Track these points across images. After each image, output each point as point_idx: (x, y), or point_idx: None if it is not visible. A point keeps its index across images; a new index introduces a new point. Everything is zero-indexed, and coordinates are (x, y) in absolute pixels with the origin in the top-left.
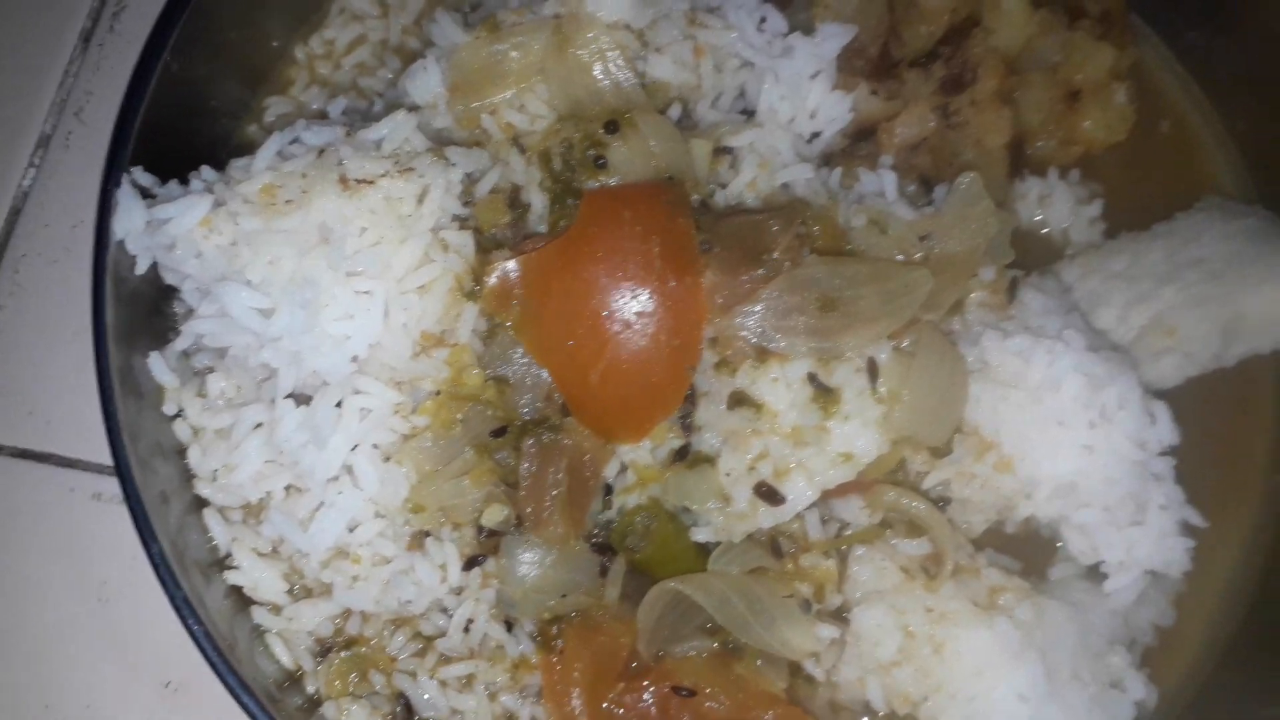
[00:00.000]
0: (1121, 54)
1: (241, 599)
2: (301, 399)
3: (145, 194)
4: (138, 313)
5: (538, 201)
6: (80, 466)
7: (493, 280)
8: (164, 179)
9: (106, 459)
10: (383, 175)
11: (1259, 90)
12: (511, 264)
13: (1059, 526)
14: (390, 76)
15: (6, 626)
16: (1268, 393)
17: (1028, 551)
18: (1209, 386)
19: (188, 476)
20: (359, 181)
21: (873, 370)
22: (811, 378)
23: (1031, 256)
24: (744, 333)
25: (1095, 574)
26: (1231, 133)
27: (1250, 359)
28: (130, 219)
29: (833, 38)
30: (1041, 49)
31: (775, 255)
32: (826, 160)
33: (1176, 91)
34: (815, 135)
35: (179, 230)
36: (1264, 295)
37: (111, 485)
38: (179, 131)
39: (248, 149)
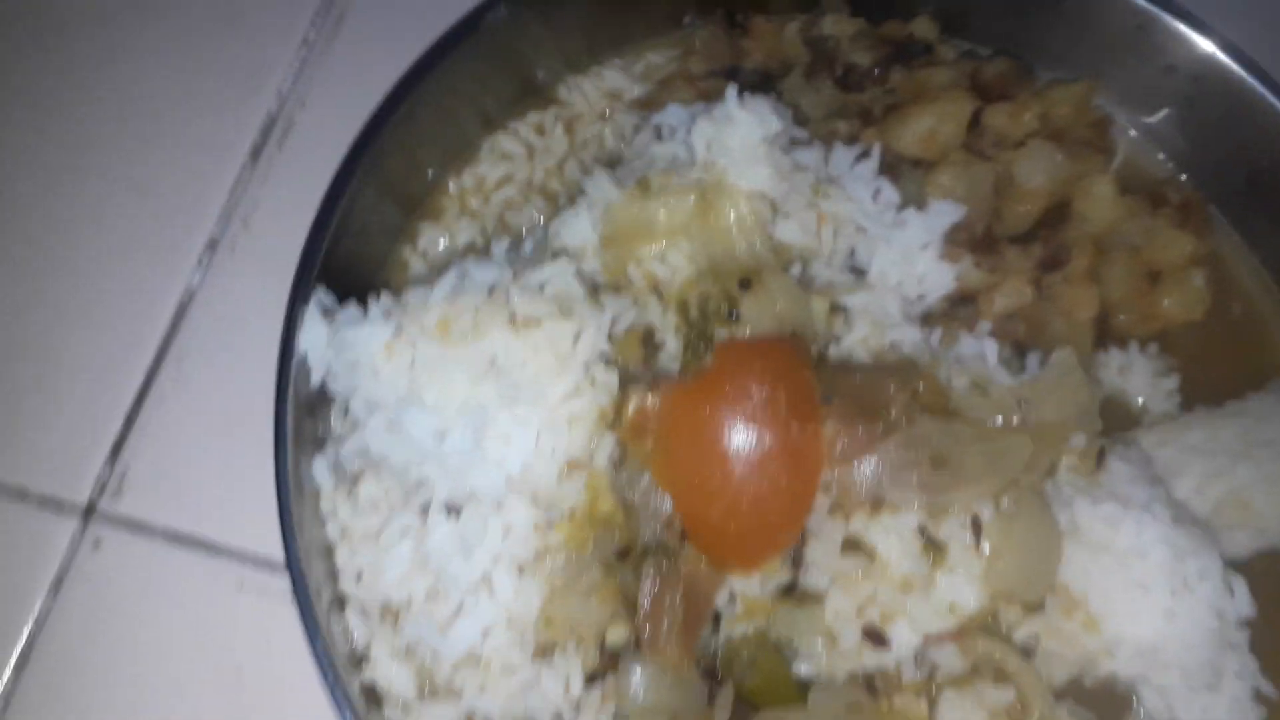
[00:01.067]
0: (1199, 242)
1: (373, 697)
2: (451, 510)
3: (326, 312)
4: (300, 419)
5: (671, 344)
6: (227, 554)
7: (631, 412)
8: (333, 294)
9: (251, 548)
10: (547, 316)
11: None
12: (649, 400)
13: (1137, 685)
14: (532, 211)
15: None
16: None
17: (1105, 706)
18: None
19: (332, 574)
20: (526, 321)
21: (977, 527)
22: (921, 530)
23: (1112, 422)
24: (860, 482)
25: None
26: None
27: None
28: (315, 335)
29: (944, 215)
30: (1126, 231)
31: (892, 412)
32: (928, 319)
33: (1248, 278)
34: (920, 298)
35: (363, 351)
36: None
37: (254, 575)
38: (344, 249)
39: (401, 268)
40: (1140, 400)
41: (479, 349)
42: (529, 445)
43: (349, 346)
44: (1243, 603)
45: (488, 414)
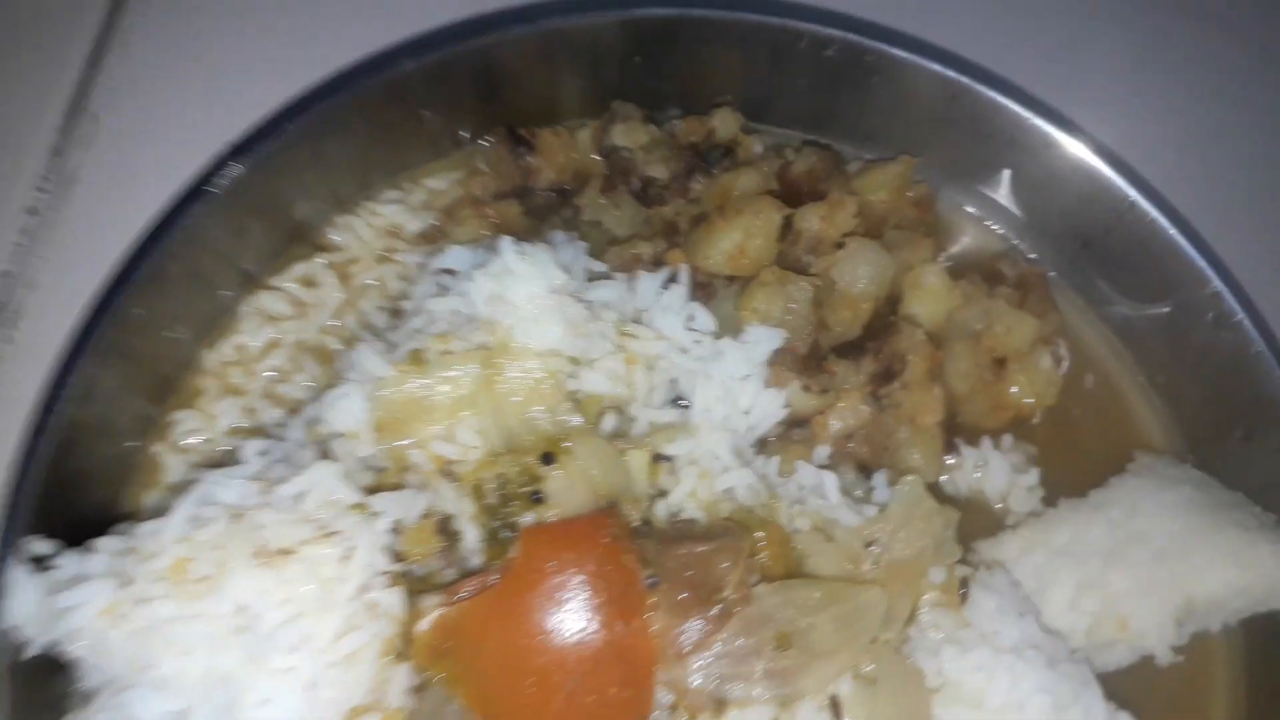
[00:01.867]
0: (1043, 321)
1: None
2: None
3: (42, 564)
4: (34, 682)
5: (470, 533)
6: None
7: (424, 627)
8: (62, 521)
9: None
10: (306, 541)
11: (1175, 343)
12: (445, 613)
13: None
14: (305, 380)
15: None
16: (1219, 669)
17: None
18: (1164, 666)
19: None
20: (280, 551)
21: (835, 709)
22: None
23: (974, 529)
24: (700, 683)
25: None
26: (1154, 384)
27: (1200, 634)
28: (25, 603)
29: (762, 342)
30: (964, 319)
31: (727, 594)
32: (762, 447)
33: (1098, 344)
34: (750, 429)
35: (81, 620)
36: (1210, 580)
37: None
38: (78, 459)
39: (153, 474)
40: (1000, 501)
41: (221, 598)
42: (297, 703)
43: (64, 611)
44: None
45: (238, 682)
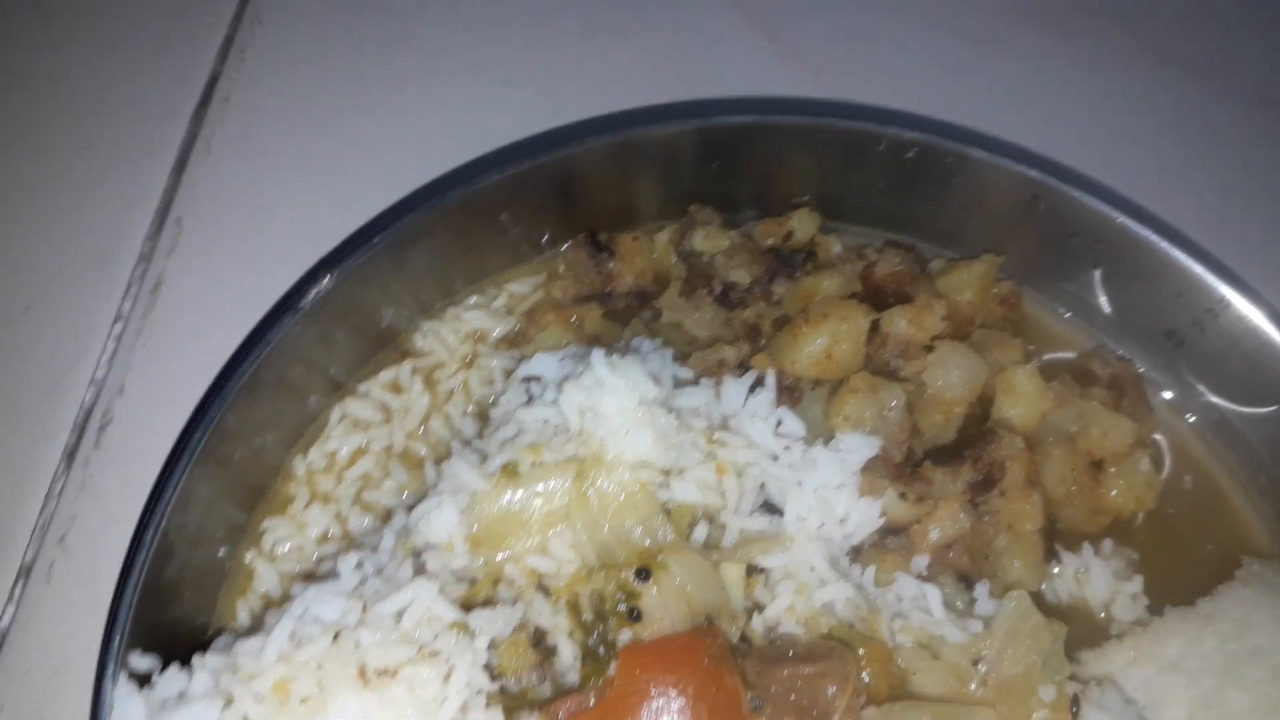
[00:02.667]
0: (1140, 424)
1: None
2: None
3: (143, 681)
4: None
5: (566, 649)
6: None
7: None
8: (156, 633)
9: None
10: (406, 662)
11: (1275, 440)
12: None
13: None
14: (394, 486)
15: None
16: None
17: None
18: None
19: None
20: (380, 673)
21: None
22: None
23: (1078, 639)
24: None
25: None
26: (1256, 486)
27: None
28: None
29: (857, 449)
30: (1058, 421)
31: (834, 718)
32: (857, 555)
33: (1194, 443)
34: (846, 538)
35: None
36: None
37: None
38: (172, 568)
39: (246, 582)
40: (1104, 609)
41: (325, 719)
42: None
43: None
44: None
45: None
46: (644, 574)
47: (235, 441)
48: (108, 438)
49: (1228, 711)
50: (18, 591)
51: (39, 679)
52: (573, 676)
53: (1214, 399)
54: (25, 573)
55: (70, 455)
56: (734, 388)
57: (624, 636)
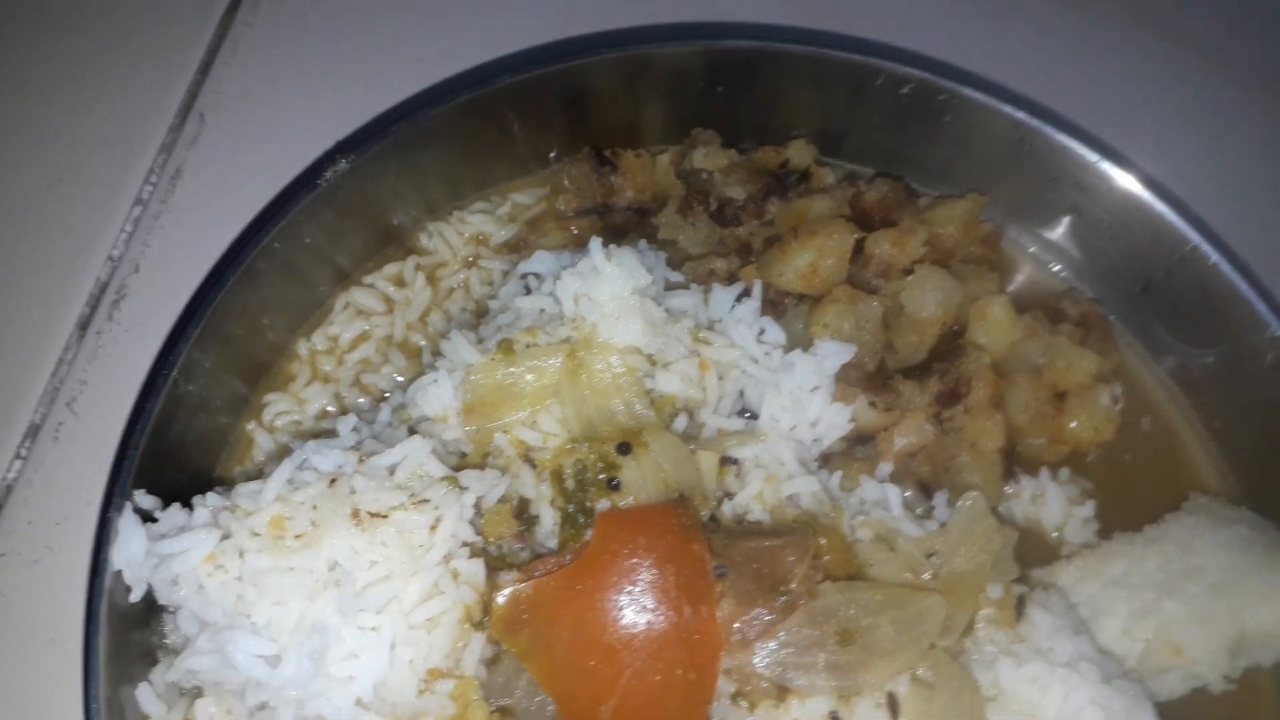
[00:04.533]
0: (1103, 359)
1: None
2: None
3: (146, 517)
4: (124, 634)
5: (547, 517)
6: None
7: (500, 602)
8: (158, 487)
9: None
10: (397, 507)
11: (1232, 387)
12: (521, 589)
13: None
14: (392, 372)
15: None
16: (1270, 703)
17: None
18: (1214, 698)
19: None
20: (372, 515)
21: (893, 706)
22: (833, 717)
23: (1030, 556)
24: (763, 670)
25: None
26: (1210, 429)
27: (1253, 670)
28: (130, 548)
29: (832, 355)
30: (1026, 352)
31: (792, 586)
32: (825, 462)
33: (1155, 388)
34: (816, 441)
35: (183, 566)
36: (1264, 613)
37: None
38: (176, 432)
39: (246, 449)
40: (1056, 531)
41: (316, 555)
42: (381, 660)
43: (168, 560)
44: None
45: (329, 632)
46: (625, 448)
47: (241, 318)
48: (121, 312)
49: (1163, 620)
50: (24, 449)
51: (41, 528)
52: (552, 544)
53: (1176, 344)
54: (33, 432)
55: (83, 325)
56: (722, 294)
57: (602, 505)
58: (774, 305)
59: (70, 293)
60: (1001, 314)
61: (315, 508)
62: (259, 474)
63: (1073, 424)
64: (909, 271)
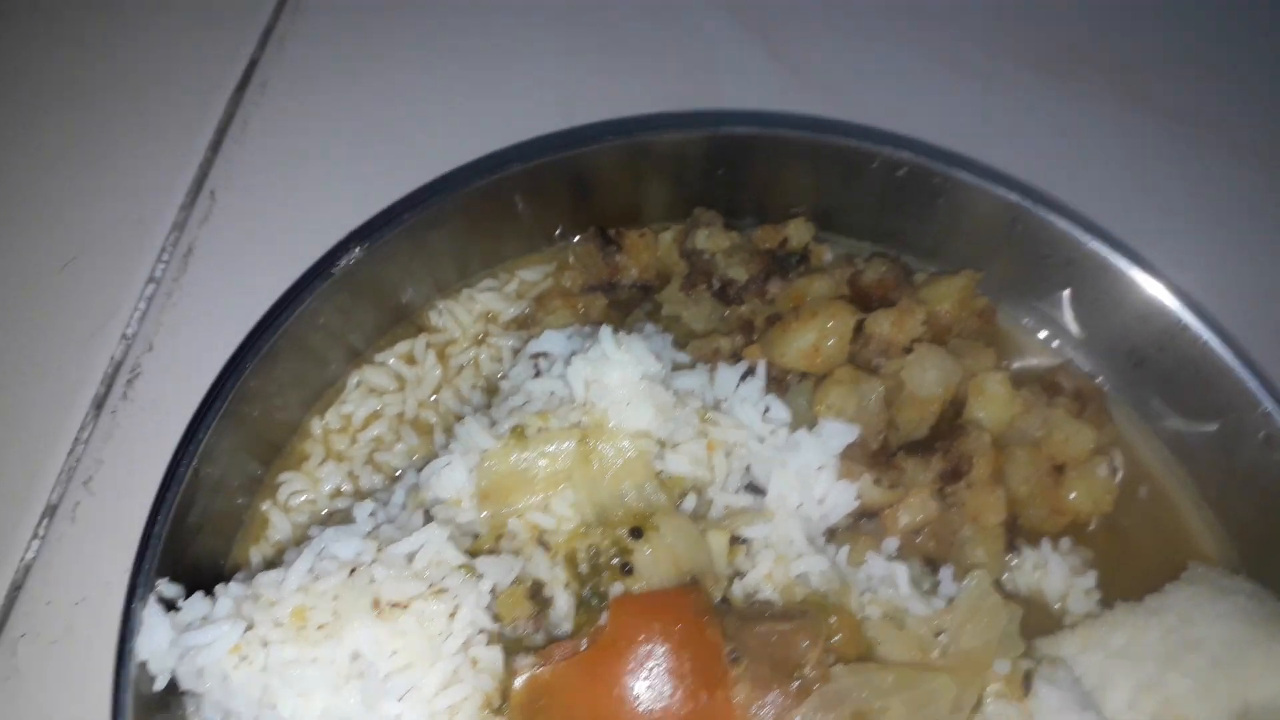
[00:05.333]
0: (1100, 432)
1: None
2: None
3: (169, 605)
4: (149, 716)
5: (562, 600)
6: None
7: (518, 686)
8: (178, 570)
9: None
10: (416, 597)
11: (1226, 459)
12: (539, 673)
13: None
14: (404, 449)
15: None
16: None
17: None
18: None
19: None
20: (393, 605)
21: None
22: None
23: (1033, 627)
24: None
25: None
26: (1207, 499)
27: None
28: (155, 639)
29: (837, 435)
30: (1025, 426)
31: (806, 671)
32: (832, 536)
33: (1151, 457)
34: (823, 518)
35: (208, 658)
36: (1267, 687)
37: None
38: (194, 515)
39: (261, 530)
40: (1059, 601)
41: (339, 645)
42: None
43: (193, 650)
44: None
45: None
46: (637, 532)
47: (258, 400)
48: (135, 390)
49: (1167, 693)
50: (42, 529)
51: (60, 609)
52: (566, 627)
53: (1171, 416)
54: (50, 512)
55: (99, 405)
56: (727, 374)
57: (615, 589)
58: (778, 383)
59: (85, 372)
60: (999, 389)
61: (337, 598)
62: (275, 555)
63: (1072, 495)
64: (908, 350)
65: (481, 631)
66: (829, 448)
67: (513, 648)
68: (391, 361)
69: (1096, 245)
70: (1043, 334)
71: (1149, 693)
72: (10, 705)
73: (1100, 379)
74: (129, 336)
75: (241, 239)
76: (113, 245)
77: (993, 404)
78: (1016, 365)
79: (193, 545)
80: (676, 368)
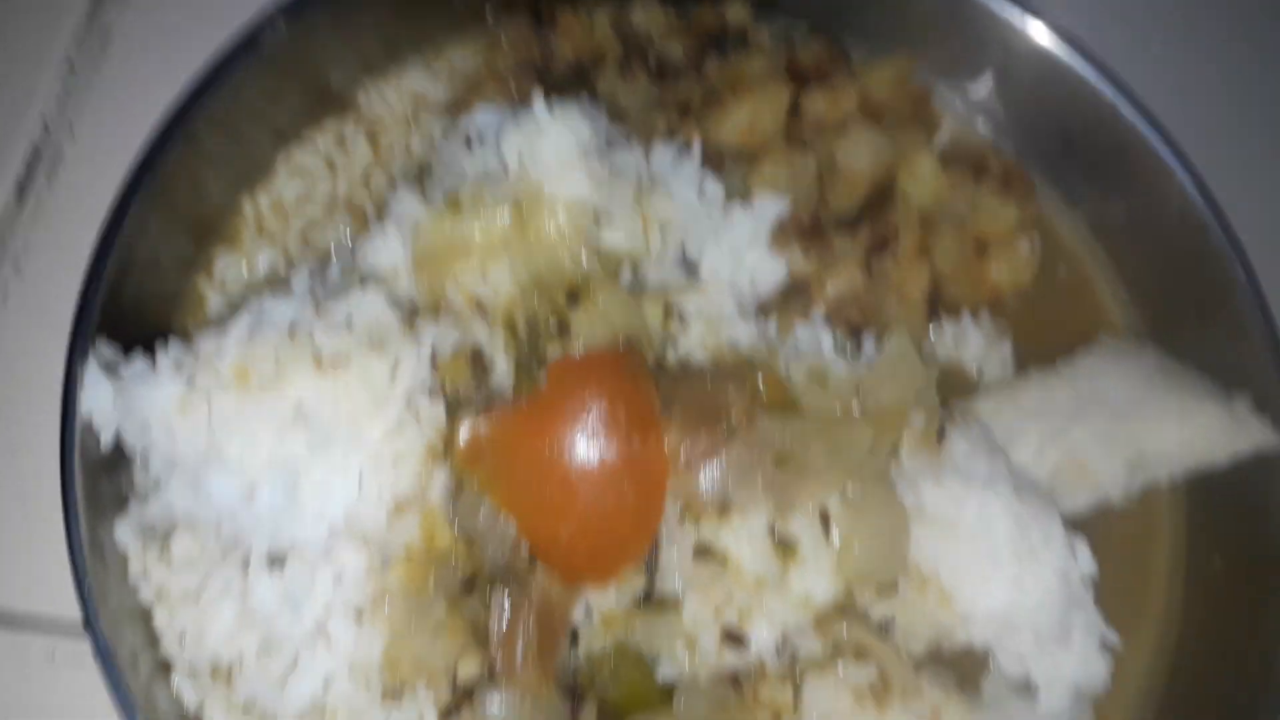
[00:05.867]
0: (1022, 210)
1: None
2: (274, 562)
3: (109, 367)
4: (96, 481)
5: (501, 364)
6: (30, 627)
7: (462, 438)
8: (119, 340)
9: (58, 614)
10: (356, 353)
11: (1142, 235)
12: (480, 425)
13: (992, 647)
14: (338, 233)
15: None
16: (1164, 518)
17: (964, 667)
18: (1116, 514)
19: (153, 638)
20: (334, 362)
21: (825, 520)
22: (771, 530)
23: (951, 391)
24: (706, 489)
25: (1022, 687)
26: (1121, 275)
27: (1150, 489)
28: (98, 395)
29: (769, 208)
30: (952, 205)
31: (733, 416)
32: (763, 310)
33: (1071, 238)
34: (753, 291)
35: (152, 411)
36: (1161, 435)
37: (65, 645)
38: (130, 289)
39: (197, 304)
40: (976, 368)
41: (282, 397)
42: (351, 491)
43: (137, 406)
44: (1085, 561)
45: (299, 466)
46: (573, 298)
47: (184, 179)
48: (60, 173)
49: (1070, 443)
50: None
51: (6, 388)
52: (507, 392)
53: (1092, 197)
54: None
55: (22, 189)
56: (663, 151)
57: (553, 353)
58: (714, 162)
59: (4, 155)
60: (928, 168)
61: (277, 354)
62: (215, 330)
63: (993, 270)
64: (842, 128)
65: (425, 387)
66: (761, 220)
67: (455, 412)
68: (321, 143)
69: (1029, 23)
70: (973, 119)
71: (1054, 443)
72: None
73: (1025, 164)
74: (49, 121)
75: (163, 20)
76: (24, 27)
77: (921, 182)
78: (946, 148)
79: (130, 321)
80: (611, 145)
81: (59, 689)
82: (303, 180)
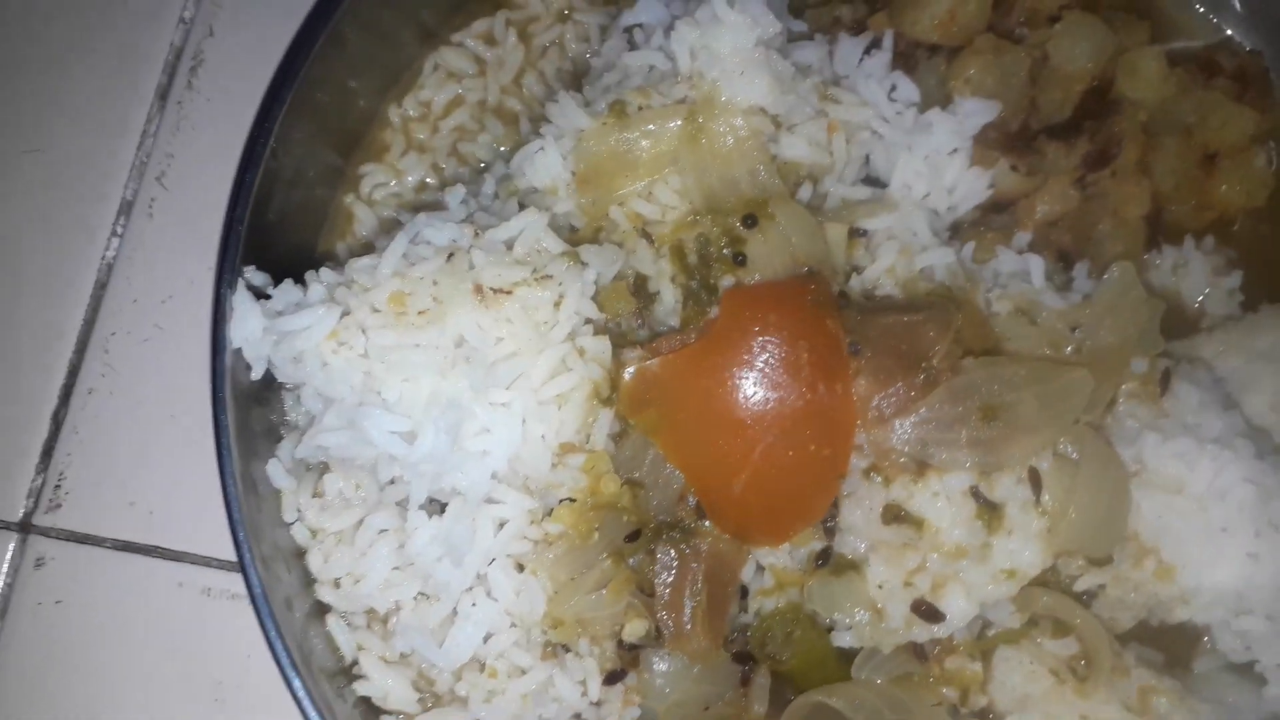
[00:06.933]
0: (1260, 116)
1: (371, 708)
2: (433, 507)
3: (259, 294)
4: (247, 411)
5: (668, 294)
6: (188, 560)
7: (627, 379)
8: (264, 264)
9: (215, 552)
10: (520, 283)
11: None
12: (648, 365)
13: (1213, 627)
14: (489, 140)
15: None
16: None
17: (1173, 644)
18: None
19: (309, 581)
20: (495, 291)
21: (1036, 482)
22: (974, 492)
23: (1168, 329)
24: (901, 446)
25: (1242, 669)
26: None
27: None
28: (247, 326)
29: (973, 114)
30: (1177, 111)
31: (933, 363)
32: (956, 232)
33: None
34: (950, 210)
35: (305, 343)
36: None
37: (222, 580)
38: (275, 207)
39: (346, 220)
40: (1198, 301)
41: (442, 331)
42: (514, 435)
43: (288, 337)
44: None
45: (462, 407)
46: (750, 220)
47: (329, 85)
48: (199, 80)
49: None
50: (120, 226)
51: (147, 307)
52: (672, 322)
53: None
54: (126, 209)
55: (163, 95)
56: (849, 46)
57: (726, 282)
58: (906, 58)
59: (145, 60)
60: (1154, 67)
61: (436, 283)
62: (363, 249)
63: (1223, 188)
64: (1056, 19)
65: (588, 321)
66: (964, 129)
67: (619, 343)
68: (469, 42)
69: None
70: (1202, 8)
71: None
72: (108, 401)
73: (1265, 61)
74: (187, 20)
75: None
76: None
77: (1145, 84)
78: (1172, 43)
79: (277, 239)
80: (792, 39)
81: (216, 623)
82: (451, 84)
